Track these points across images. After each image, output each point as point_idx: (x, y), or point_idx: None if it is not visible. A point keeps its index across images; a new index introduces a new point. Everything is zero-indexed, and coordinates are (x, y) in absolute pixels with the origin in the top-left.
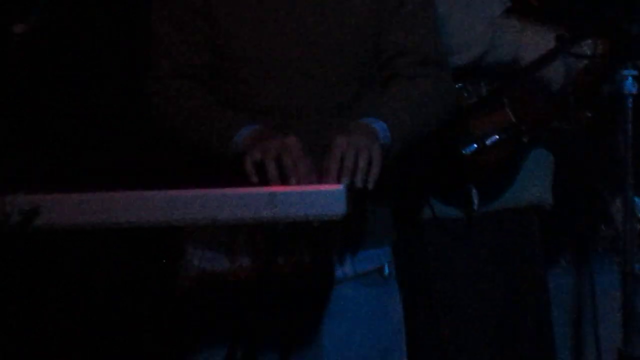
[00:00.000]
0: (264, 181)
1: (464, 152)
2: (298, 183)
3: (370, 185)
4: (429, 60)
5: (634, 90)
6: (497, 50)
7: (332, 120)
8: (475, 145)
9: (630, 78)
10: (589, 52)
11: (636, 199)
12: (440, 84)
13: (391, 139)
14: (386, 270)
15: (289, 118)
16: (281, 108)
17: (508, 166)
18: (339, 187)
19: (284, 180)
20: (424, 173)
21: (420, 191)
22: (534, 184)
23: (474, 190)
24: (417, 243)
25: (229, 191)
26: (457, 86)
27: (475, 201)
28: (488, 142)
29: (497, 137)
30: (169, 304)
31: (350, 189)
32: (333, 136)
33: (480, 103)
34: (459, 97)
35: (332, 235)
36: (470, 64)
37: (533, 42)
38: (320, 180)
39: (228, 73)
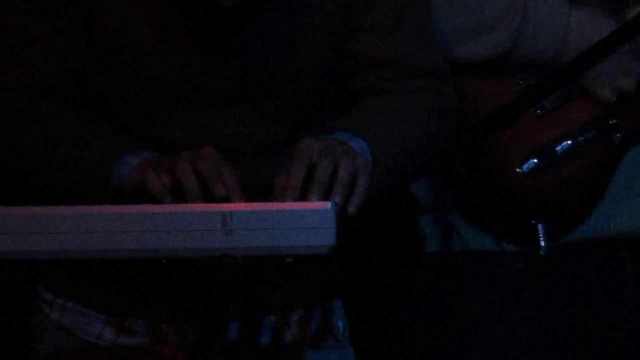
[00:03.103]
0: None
1: (520, 170)
2: (227, 196)
3: (353, 209)
4: (417, 72)
5: None
6: (530, 38)
7: (266, 160)
8: (536, 161)
9: None
10: None
11: None
12: (437, 98)
13: (373, 164)
14: (339, 329)
15: None
16: (191, 148)
17: (592, 182)
18: (326, 206)
19: (207, 196)
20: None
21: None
22: (625, 205)
23: (539, 227)
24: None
25: (151, 208)
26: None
27: (543, 238)
28: (558, 148)
29: (570, 142)
30: None
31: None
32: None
33: (541, 96)
34: (508, 89)
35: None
36: (494, 57)
37: (583, 29)
38: (270, 198)
39: (111, 94)
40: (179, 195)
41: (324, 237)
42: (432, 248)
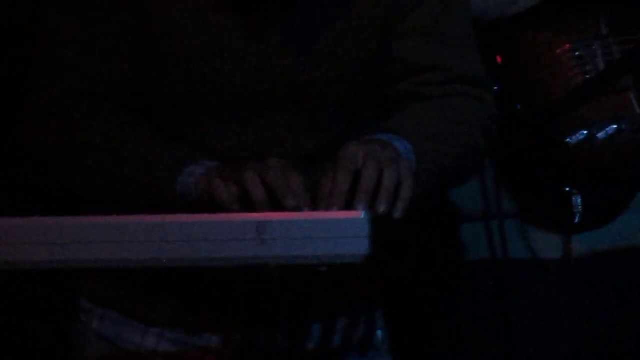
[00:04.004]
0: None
1: (569, 140)
2: (298, 206)
3: (398, 214)
4: (456, 78)
5: None
6: None
7: (306, 170)
8: (586, 133)
9: None
10: None
11: None
12: (476, 104)
13: (417, 165)
14: (379, 339)
15: None
16: (236, 156)
17: (623, 174)
18: (360, 215)
19: (274, 206)
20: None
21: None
22: None
23: (576, 197)
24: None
25: (187, 218)
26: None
27: (578, 210)
28: (600, 134)
29: (616, 126)
30: None
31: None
32: (342, 146)
33: (597, 78)
34: (571, 62)
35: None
36: None
37: None
38: (316, 206)
39: (151, 101)
40: (245, 204)
41: (358, 246)
42: (474, 257)
